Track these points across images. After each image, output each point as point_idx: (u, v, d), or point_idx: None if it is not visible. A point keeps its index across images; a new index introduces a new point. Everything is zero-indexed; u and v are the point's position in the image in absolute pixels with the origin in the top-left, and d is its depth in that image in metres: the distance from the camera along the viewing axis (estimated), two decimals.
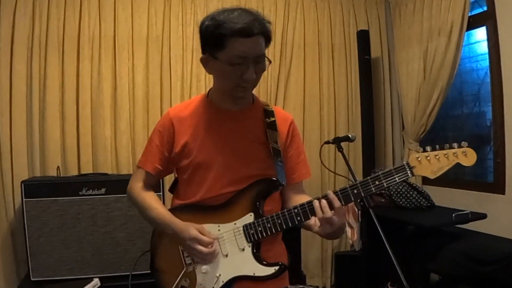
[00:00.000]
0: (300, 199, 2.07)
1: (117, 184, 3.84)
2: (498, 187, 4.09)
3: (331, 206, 1.82)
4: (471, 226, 3.91)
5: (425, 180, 4.81)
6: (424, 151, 1.79)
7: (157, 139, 2.10)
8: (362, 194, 1.83)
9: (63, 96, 4.32)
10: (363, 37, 5.08)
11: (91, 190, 3.79)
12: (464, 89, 4.76)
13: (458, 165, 1.78)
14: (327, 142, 2.91)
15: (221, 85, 2.00)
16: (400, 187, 4.29)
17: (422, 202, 4.26)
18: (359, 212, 4.29)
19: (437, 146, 1.78)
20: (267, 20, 1.87)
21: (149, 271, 2.15)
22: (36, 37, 4.21)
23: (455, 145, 1.77)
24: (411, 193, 4.28)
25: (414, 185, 4.37)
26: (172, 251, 2.02)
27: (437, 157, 1.76)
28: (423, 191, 4.35)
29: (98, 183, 3.83)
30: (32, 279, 3.67)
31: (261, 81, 4.69)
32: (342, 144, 2.70)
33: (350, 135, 2.79)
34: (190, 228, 1.91)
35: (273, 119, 2.09)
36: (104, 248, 3.81)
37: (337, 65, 5.28)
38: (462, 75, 4.74)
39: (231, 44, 1.80)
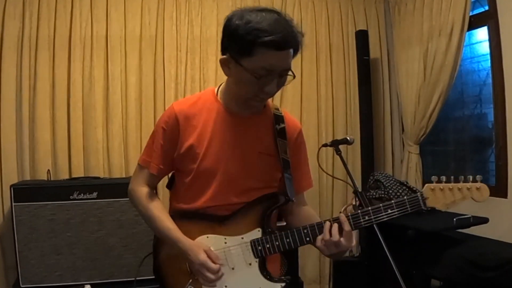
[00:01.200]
0: (302, 211, 2.11)
1: (110, 188, 3.84)
2: (500, 191, 4.09)
3: (340, 229, 1.83)
4: (473, 230, 3.90)
5: (426, 183, 4.81)
6: (439, 181, 1.84)
7: (161, 137, 2.03)
8: (373, 221, 1.86)
9: (53, 98, 4.31)
10: (361, 37, 5.08)
11: (82, 194, 3.78)
12: (465, 91, 4.76)
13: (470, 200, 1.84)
14: (325, 145, 2.91)
15: (236, 91, 1.93)
16: (400, 191, 4.28)
17: None
18: None
19: (452, 177, 1.83)
20: (301, 32, 1.82)
21: (151, 277, 2.13)
22: (26, 37, 4.20)
23: (469, 178, 1.82)
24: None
25: (415, 189, 4.36)
26: (177, 256, 1.98)
27: (450, 190, 1.82)
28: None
29: (90, 187, 3.82)
30: (21, 286, 3.65)
31: None
32: (340, 147, 2.69)
33: (348, 138, 2.79)
34: (200, 252, 1.88)
35: (283, 125, 2.07)
36: (96, 254, 3.80)
37: (335, 66, 5.28)
38: (463, 76, 4.74)
39: (260, 54, 1.73)
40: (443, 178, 1.83)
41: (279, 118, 2.08)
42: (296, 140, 2.13)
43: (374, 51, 5.32)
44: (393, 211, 1.84)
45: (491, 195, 4.08)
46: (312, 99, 5.19)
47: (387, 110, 5.42)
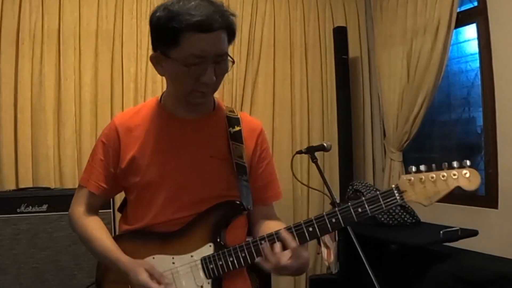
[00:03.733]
0: (271, 225, 1.99)
1: (61, 200, 3.75)
2: (490, 201, 4.13)
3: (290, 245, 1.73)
4: (461, 244, 3.93)
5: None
6: (418, 171, 1.67)
7: (101, 152, 2.00)
8: (342, 224, 1.73)
9: None
10: (340, 35, 5.10)
11: (30, 207, 3.72)
12: (452, 93, 4.81)
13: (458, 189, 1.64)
14: (300, 152, 2.91)
15: (174, 89, 1.91)
16: None
17: (406, 218, 4.27)
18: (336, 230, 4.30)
19: (433, 166, 1.66)
20: (231, 12, 1.78)
21: None
22: None
23: (455, 164, 1.64)
24: (393, 208, 4.29)
25: None
26: (121, 284, 1.91)
27: (433, 179, 1.64)
28: (407, 206, 4.36)
29: (39, 198, 3.76)
30: None
31: (225, 83, 4.70)
32: (317, 154, 2.70)
33: (325, 144, 2.79)
34: (139, 272, 1.79)
35: (238, 128, 2.01)
36: (47, 274, 3.72)
37: (311, 66, 5.30)
38: (450, 77, 4.79)
39: (186, 41, 1.69)
40: (423, 167, 1.67)
41: (233, 120, 2.03)
42: (257, 143, 2.06)
43: (353, 50, 5.35)
44: (364, 210, 1.69)
45: (481, 206, 4.12)
46: (285, 102, 5.20)
47: (367, 114, 5.45)
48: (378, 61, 5.20)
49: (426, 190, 1.65)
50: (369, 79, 5.48)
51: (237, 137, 1.98)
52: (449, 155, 4.88)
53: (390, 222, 4.25)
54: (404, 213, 4.29)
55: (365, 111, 5.44)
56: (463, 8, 4.48)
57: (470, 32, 4.50)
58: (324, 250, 4.53)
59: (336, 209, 1.74)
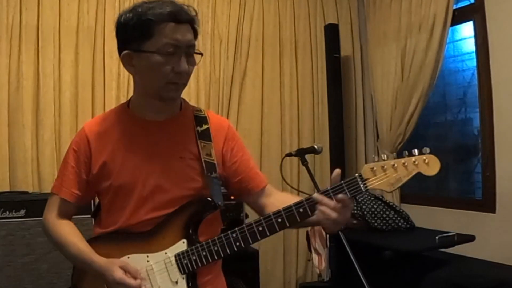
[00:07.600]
0: (281, 199, 2.06)
1: (40, 204, 3.62)
2: (487, 205, 4.15)
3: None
4: (458, 250, 3.94)
5: (404, 198, 4.85)
6: (380, 159, 1.81)
7: (72, 159, 2.08)
8: (309, 213, 1.83)
9: None
10: (331, 32, 5.11)
11: (7, 212, 3.71)
12: (448, 93, 4.83)
13: (419, 175, 1.78)
14: (289, 155, 2.91)
15: (148, 84, 1.99)
16: (375, 206, 4.30)
17: (400, 223, 4.28)
18: (327, 236, 4.29)
19: (394, 154, 1.79)
20: (194, 9, 1.96)
21: None
22: None
23: (415, 151, 1.79)
24: (387, 213, 4.30)
25: (391, 203, 4.38)
26: (98, 286, 1.98)
27: (394, 166, 1.78)
28: (401, 210, 4.37)
29: (17, 203, 3.75)
30: None
31: (212, 83, 4.70)
32: (307, 156, 2.70)
33: (316, 146, 2.80)
34: (114, 269, 1.87)
35: (206, 126, 2.12)
36: (24, 282, 3.70)
37: (301, 64, 5.31)
38: (446, 77, 4.81)
39: (160, 31, 1.85)
40: (384, 156, 1.82)
41: (201, 119, 2.14)
42: (226, 137, 2.16)
43: (345, 48, 5.36)
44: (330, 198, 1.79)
45: (478, 210, 4.13)
46: (274, 102, 5.19)
47: (360, 115, 5.46)
48: (371, 59, 5.21)
49: (388, 177, 1.78)
50: (362, 79, 5.48)
51: (205, 135, 2.10)
52: (444, 158, 4.88)
53: (384, 227, 4.25)
54: (398, 218, 4.29)
55: (358, 112, 5.45)
56: (460, 5, 4.50)
57: (466, 30, 4.51)
58: (315, 257, 4.53)
59: (303, 199, 1.84)
